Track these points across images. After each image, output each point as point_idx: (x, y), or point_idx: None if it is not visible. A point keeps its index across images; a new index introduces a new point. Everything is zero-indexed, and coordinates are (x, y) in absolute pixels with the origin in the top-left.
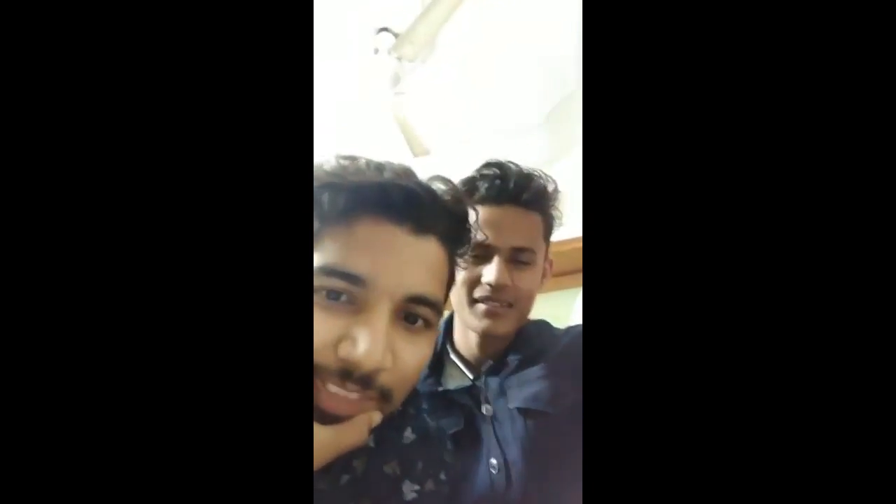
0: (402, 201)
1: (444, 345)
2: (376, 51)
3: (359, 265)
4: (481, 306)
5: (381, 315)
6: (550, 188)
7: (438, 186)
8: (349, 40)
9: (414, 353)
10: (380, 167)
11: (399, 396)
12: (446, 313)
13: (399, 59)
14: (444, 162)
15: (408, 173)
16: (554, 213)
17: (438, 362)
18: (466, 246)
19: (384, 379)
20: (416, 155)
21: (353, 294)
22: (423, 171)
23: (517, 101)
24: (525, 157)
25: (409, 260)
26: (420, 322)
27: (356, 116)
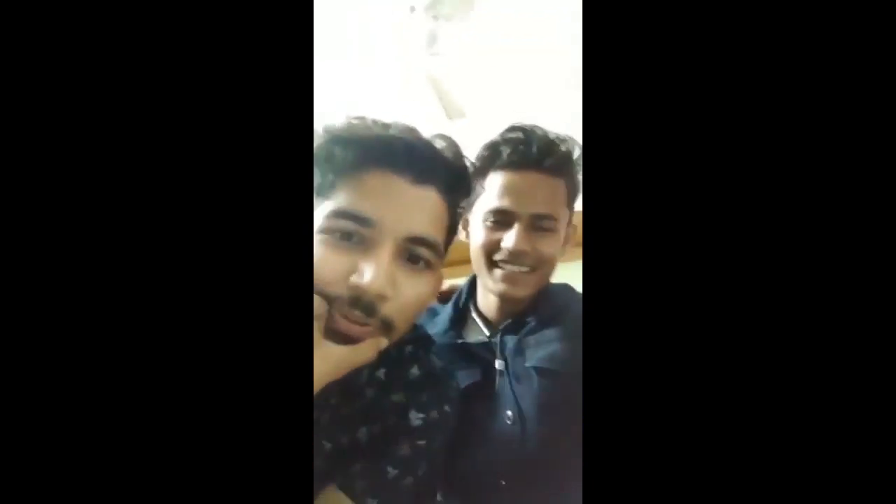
0: (403, 154)
1: (466, 303)
2: (412, 9)
3: (366, 209)
4: (500, 270)
5: (386, 251)
6: (576, 154)
7: (440, 143)
8: None
9: (415, 287)
10: (385, 125)
11: (401, 326)
12: (468, 276)
13: (435, 17)
14: (480, 124)
15: (411, 130)
16: (579, 178)
17: (461, 319)
18: (466, 199)
19: (386, 309)
20: (450, 117)
21: (362, 234)
22: (459, 133)
23: (555, 61)
24: (561, 119)
25: (411, 205)
26: (422, 262)
27: (391, 77)
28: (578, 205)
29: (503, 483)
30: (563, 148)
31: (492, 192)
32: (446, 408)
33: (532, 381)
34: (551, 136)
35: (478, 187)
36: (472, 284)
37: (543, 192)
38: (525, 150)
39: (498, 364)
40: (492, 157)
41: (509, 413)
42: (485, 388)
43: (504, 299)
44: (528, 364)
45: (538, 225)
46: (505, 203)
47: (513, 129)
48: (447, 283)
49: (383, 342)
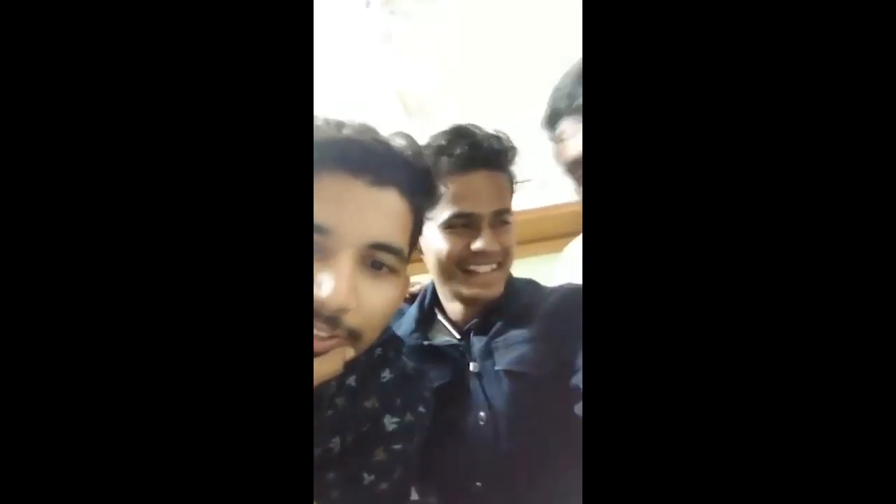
0: (358, 155)
1: (431, 303)
2: (368, 4)
3: (321, 216)
4: (472, 275)
5: (345, 261)
6: (510, 148)
7: (398, 142)
8: None
9: (380, 295)
10: (339, 125)
11: (369, 335)
12: (429, 277)
13: (392, 13)
14: (442, 121)
15: (367, 130)
16: (514, 171)
17: (426, 320)
18: (431, 198)
19: (351, 319)
20: (410, 114)
21: (319, 243)
22: (419, 131)
23: (515, 57)
24: (525, 115)
25: (370, 210)
26: (385, 268)
27: (347, 74)
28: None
29: (478, 485)
30: (502, 143)
31: (447, 197)
32: (421, 409)
33: (503, 383)
34: (490, 133)
35: (440, 187)
36: (435, 287)
37: (496, 187)
38: (471, 151)
39: (472, 367)
40: (434, 161)
41: (482, 414)
42: (456, 389)
43: (476, 302)
44: (497, 367)
45: (499, 220)
46: (466, 206)
47: (453, 132)
48: (418, 285)
49: (349, 352)
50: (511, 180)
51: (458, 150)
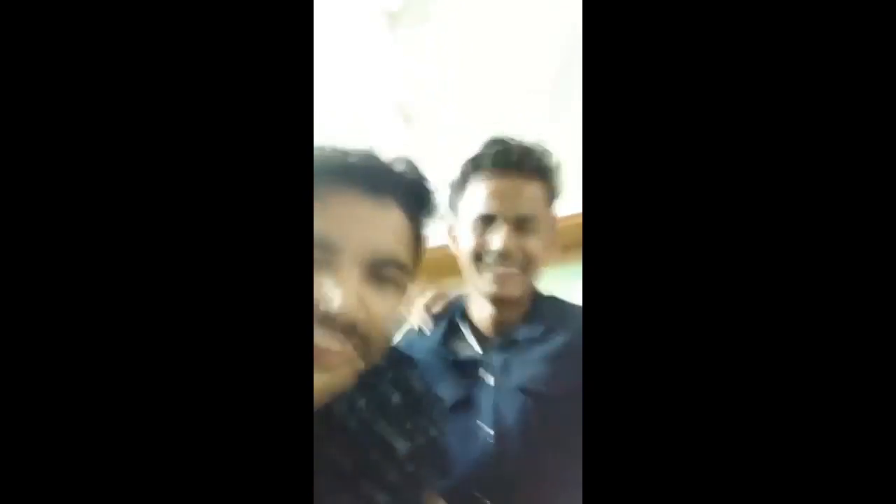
0: (362, 178)
1: (461, 319)
2: (372, 14)
3: (329, 234)
4: (489, 273)
5: (352, 275)
6: (551, 160)
7: (400, 166)
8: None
9: (387, 307)
10: (344, 153)
11: (377, 345)
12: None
13: (395, 22)
14: (446, 128)
15: (370, 157)
16: (555, 184)
17: (454, 334)
18: (431, 213)
19: (362, 329)
20: (409, 122)
21: (326, 258)
22: (427, 140)
23: (521, 64)
24: (530, 122)
25: (373, 227)
26: (389, 281)
27: (351, 83)
28: (561, 210)
29: (478, 495)
30: (537, 154)
31: (477, 198)
32: (432, 432)
33: (515, 400)
34: (526, 143)
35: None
36: (467, 301)
37: (524, 194)
38: (504, 156)
39: (488, 381)
40: (475, 165)
41: (491, 431)
42: (471, 405)
43: (496, 302)
44: (512, 384)
45: (522, 226)
46: (490, 207)
47: (493, 140)
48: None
49: (359, 364)
50: (549, 194)
51: (493, 155)
